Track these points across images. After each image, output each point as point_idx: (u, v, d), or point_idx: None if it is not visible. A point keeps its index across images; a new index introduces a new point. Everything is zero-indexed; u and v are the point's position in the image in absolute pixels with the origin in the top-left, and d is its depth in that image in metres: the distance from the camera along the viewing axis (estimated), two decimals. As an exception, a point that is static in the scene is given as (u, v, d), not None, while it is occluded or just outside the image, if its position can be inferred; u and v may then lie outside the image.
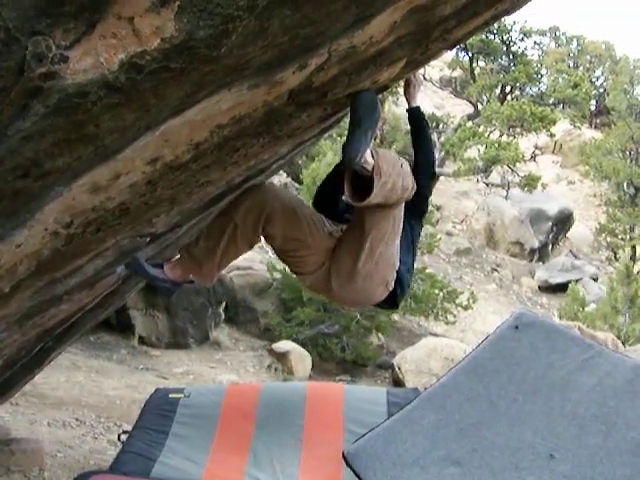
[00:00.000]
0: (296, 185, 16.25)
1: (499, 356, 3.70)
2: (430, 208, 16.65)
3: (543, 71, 25.79)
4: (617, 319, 16.14)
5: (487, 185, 22.22)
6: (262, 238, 3.31)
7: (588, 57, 34.32)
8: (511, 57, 22.73)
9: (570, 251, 23.20)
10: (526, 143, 23.03)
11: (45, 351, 5.07)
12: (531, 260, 22.04)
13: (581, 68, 32.92)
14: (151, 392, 5.04)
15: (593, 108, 31.79)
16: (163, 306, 11.67)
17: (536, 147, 24.09)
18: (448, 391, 3.60)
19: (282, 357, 12.02)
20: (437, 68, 28.14)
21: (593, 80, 33.10)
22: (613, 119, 27.17)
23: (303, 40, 1.94)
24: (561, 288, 19.47)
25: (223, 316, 12.76)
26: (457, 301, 14.04)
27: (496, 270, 20.94)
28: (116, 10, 1.39)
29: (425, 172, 3.53)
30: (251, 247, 3.34)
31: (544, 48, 31.59)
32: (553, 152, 30.13)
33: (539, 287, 20.72)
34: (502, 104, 20.91)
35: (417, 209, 3.51)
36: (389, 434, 3.40)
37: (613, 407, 3.39)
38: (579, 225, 24.63)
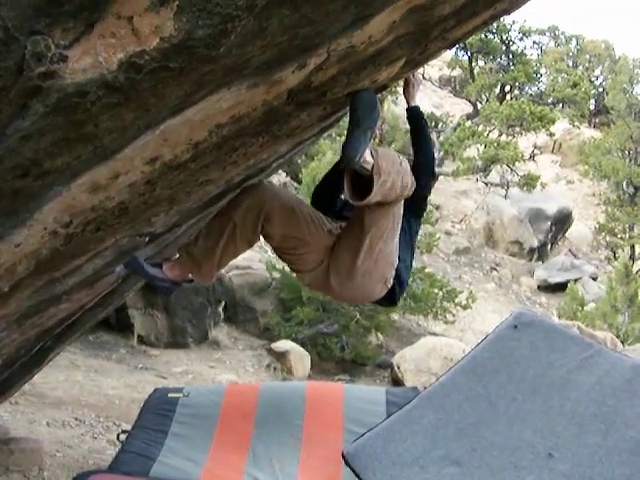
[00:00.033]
0: (295, 184, 16.24)
1: (498, 355, 3.70)
2: (429, 207, 16.70)
3: (542, 70, 25.81)
4: (616, 318, 16.14)
5: (486, 184, 22.22)
6: (261, 237, 3.32)
7: (587, 56, 34.32)
8: (510, 56, 22.74)
9: (569, 250, 23.20)
10: (525, 142, 23.02)
11: (44, 350, 5.07)
12: (530, 259, 22.04)
13: (580, 67, 32.92)
14: (150, 392, 5.04)
15: (592, 107, 31.79)
16: (162, 305, 11.67)
17: (535, 146, 24.07)
18: (447, 390, 3.60)
19: (281, 356, 12.02)
20: (436, 67, 28.11)
21: (592, 79, 33.09)
22: (612, 118, 27.15)
23: (302, 40, 1.94)
24: (560, 287, 19.47)
25: (222, 315, 12.75)
26: (456, 300, 14.04)
27: (495, 269, 20.94)
28: (115, 9, 1.39)
29: (425, 171, 3.53)
30: (250, 246, 3.34)
31: (543, 47, 31.65)
32: (552, 151, 30.12)
33: (538, 286, 20.72)
34: (501, 103, 20.90)
35: (416, 207, 3.52)
36: (388, 433, 3.40)
37: (612, 406, 3.39)
38: (578, 224, 24.63)
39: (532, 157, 22.31)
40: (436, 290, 13.76)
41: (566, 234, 23.79)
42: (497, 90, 23.56)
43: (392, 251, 3.24)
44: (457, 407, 3.49)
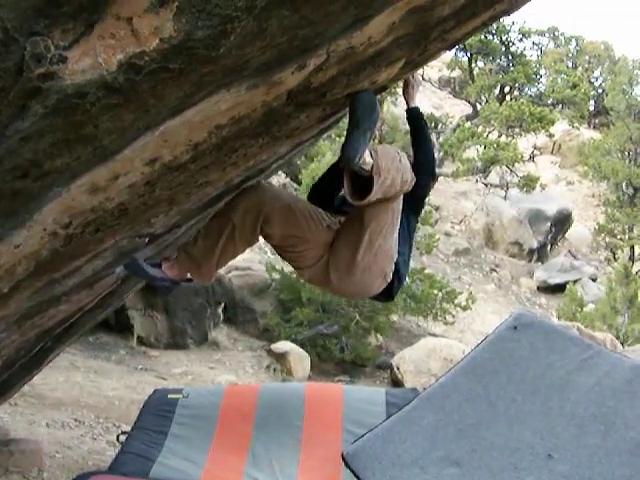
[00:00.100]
0: (295, 185, 16.24)
1: (498, 356, 3.70)
2: (429, 208, 16.70)
3: (542, 71, 25.78)
4: (616, 319, 16.13)
5: (486, 185, 22.22)
6: (261, 238, 3.32)
7: (587, 57, 34.32)
8: (510, 57, 22.73)
9: (569, 251, 23.20)
10: (525, 143, 23.04)
11: (44, 351, 5.07)
12: (530, 260, 22.04)
13: (580, 68, 32.90)
14: (150, 393, 5.04)
15: (592, 108, 31.79)
16: (162, 306, 11.67)
17: (535, 147, 24.09)
18: (447, 391, 3.60)
19: (281, 358, 12.02)
20: (436, 68, 28.11)
21: (592, 80, 33.09)
22: (612, 119, 27.16)
23: (302, 41, 1.94)
24: (560, 288, 19.46)
25: (222, 316, 12.76)
26: (456, 301, 14.04)
27: (495, 270, 20.94)
28: (115, 10, 1.39)
29: (425, 172, 3.54)
30: (250, 246, 3.35)
31: (543, 48, 31.63)
32: (552, 152, 30.11)
33: (538, 287, 20.71)
34: (501, 104, 20.90)
35: (415, 205, 3.54)
36: (388, 434, 3.40)
37: (612, 407, 3.39)
38: (578, 225, 24.62)
39: (532, 158, 22.33)
40: (436, 291, 13.76)
41: (566, 235, 23.79)
42: (497, 91, 23.57)
43: (391, 246, 3.25)
44: (457, 408, 3.49)
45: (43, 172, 1.82)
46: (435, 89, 27.77)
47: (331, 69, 2.35)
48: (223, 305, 12.71)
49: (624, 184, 23.83)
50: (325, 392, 5.12)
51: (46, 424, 7.01)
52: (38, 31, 1.33)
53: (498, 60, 22.84)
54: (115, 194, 2.30)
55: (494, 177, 21.61)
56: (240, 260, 12.64)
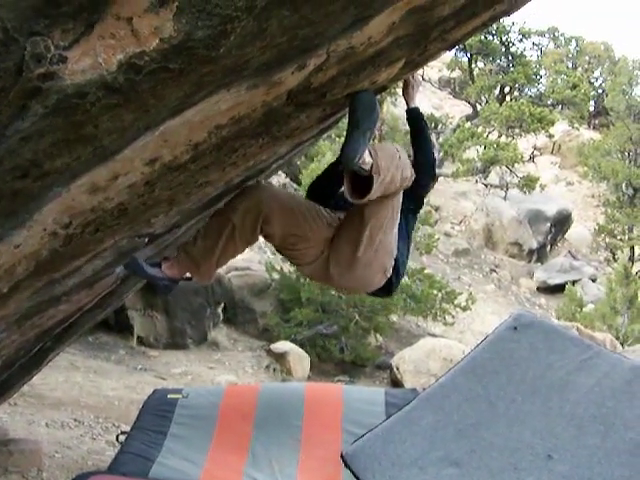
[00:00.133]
0: (295, 186, 16.24)
1: (498, 357, 3.70)
2: (428, 209, 16.69)
3: (542, 72, 25.77)
4: (616, 320, 16.14)
5: (486, 186, 22.22)
6: (261, 237, 3.32)
7: (587, 58, 34.32)
8: (510, 58, 22.72)
9: (569, 252, 23.20)
10: (525, 144, 23.03)
11: (44, 351, 5.07)
12: (530, 261, 22.04)
13: (580, 69, 32.90)
14: (149, 393, 5.04)
15: (592, 109, 31.80)
16: (161, 307, 11.67)
17: (535, 148, 24.06)
18: (447, 392, 3.60)
19: (280, 358, 12.02)
20: (436, 69, 28.12)
21: (592, 81, 33.10)
22: (612, 120, 27.16)
23: (302, 41, 1.94)
24: (560, 289, 19.46)
25: (221, 317, 12.76)
26: (456, 302, 14.04)
27: (495, 271, 20.94)
28: (115, 10, 1.39)
29: (425, 172, 3.54)
30: (250, 245, 3.36)
31: (543, 49, 31.66)
32: (552, 153, 30.11)
33: (538, 288, 20.72)
34: (501, 105, 20.90)
35: (414, 205, 3.55)
36: (388, 435, 3.40)
37: (611, 408, 3.39)
38: (578, 226, 24.63)
39: (531, 158, 22.32)
40: (435, 291, 13.76)
41: (565, 235, 23.80)
42: (497, 91, 23.56)
43: (391, 241, 3.26)
44: (456, 408, 3.49)
45: (43, 172, 1.82)
46: (435, 89, 27.77)
47: (331, 69, 2.35)
48: (223, 305, 12.71)
49: (624, 184, 23.83)
50: (325, 392, 5.12)
51: (45, 424, 7.02)
52: (38, 31, 1.33)
53: (498, 60, 22.82)
54: (115, 194, 2.30)
55: (494, 177, 21.61)
56: (240, 260, 12.64)
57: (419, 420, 3.45)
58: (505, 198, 22.49)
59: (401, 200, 3.15)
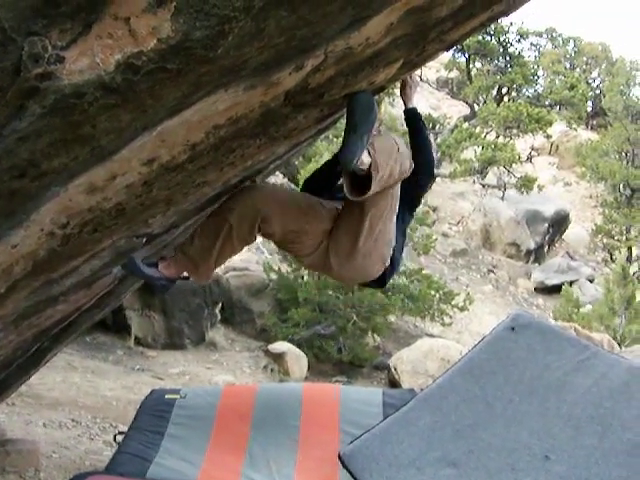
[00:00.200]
0: (292, 186, 16.23)
1: (495, 357, 3.70)
2: (426, 209, 16.67)
3: (539, 72, 25.84)
4: (613, 320, 16.14)
5: (483, 186, 22.23)
6: (259, 237, 3.33)
7: (585, 58, 34.34)
8: (508, 58, 22.71)
9: (566, 252, 23.20)
10: (522, 144, 23.02)
11: (41, 351, 5.06)
12: (527, 261, 22.04)
13: (577, 69, 32.95)
14: (147, 393, 5.03)
15: (589, 109, 31.80)
16: (159, 307, 11.66)
17: (532, 148, 24.05)
18: (444, 392, 3.60)
19: (278, 358, 12.01)
20: (434, 69, 28.07)
21: (589, 81, 33.12)
22: (609, 120, 27.15)
23: (299, 41, 1.94)
24: (557, 289, 19.43)
25: (219, 317, 12.74)
26: (453, 302, 14.04)
27: (492, 271, 20.94)
28: (112, 10, 1.39)
29: (424, 172, 3.54)
30: (247, 245, 3.36)
31: (541, 49, 31.68)
32: (549, 153, 30.11)
33: (535, 288, 20.72)
34: (498, 105, 20.90)
35: (411, 203, 3.56)
36: (385, 435, 3.40)
37: (609, 408, 3.39)
38: (575, 226, 24.63)
39: (529, 159, 22.31)
40: (433, 292, 13.76)
41: (563, 236, 23.80)
42: (494, 92, 23.54)
43: (391, 231, 3.27)
44: (454, 409, 3.49)
45: (41, 172, 1.82)
46: (433, 90, 27.75)
47: (329, 70, 2.35)
48: (220, 305, 12.70)
49: (621, 185, 23.84)
50: (322, 393, 5.12)
51: (43, 424, 7.00)
52: (36, 31, 1.33)
53: (496, 61, 22.83)
54: (112, 194, 2.30)
55: (492, 178, 21.61)
56: (237, 260, 12.64)
57: (417, 420, 3.45)
58: (503, 198, 22.48)
59: (399, 190, 3.15)
